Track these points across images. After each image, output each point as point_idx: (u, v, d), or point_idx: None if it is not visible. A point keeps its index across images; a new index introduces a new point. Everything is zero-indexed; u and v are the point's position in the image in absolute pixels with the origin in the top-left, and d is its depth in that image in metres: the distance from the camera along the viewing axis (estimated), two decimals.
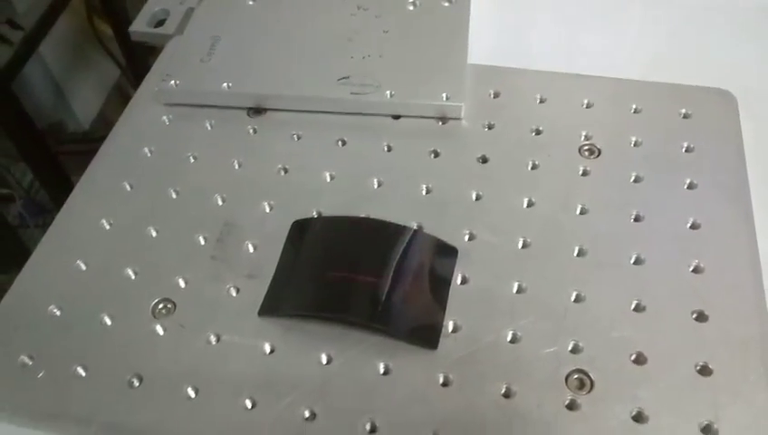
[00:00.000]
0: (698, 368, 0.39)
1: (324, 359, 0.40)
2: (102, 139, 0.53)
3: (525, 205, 0.47)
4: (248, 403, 0.38)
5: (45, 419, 0.39)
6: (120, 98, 1.68)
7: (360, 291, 0.42)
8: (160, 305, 0.43)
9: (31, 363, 0.40)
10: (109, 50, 1.57)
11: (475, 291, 0.43)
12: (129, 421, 0.38)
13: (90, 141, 1.53)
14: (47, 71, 1.46)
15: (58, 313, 0.43)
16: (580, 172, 0.48)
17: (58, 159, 1.30)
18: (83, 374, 0.40)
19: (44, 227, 1.36)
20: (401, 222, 0.45)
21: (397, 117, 0.52)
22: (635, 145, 0.50)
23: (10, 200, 1.38)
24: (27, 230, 1.34)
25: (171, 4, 0.61)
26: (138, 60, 1.48)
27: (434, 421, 0.37)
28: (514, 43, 0.60)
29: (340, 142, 0.51)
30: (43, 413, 0.39)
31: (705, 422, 0.37)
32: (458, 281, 0.43)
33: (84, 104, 1.59)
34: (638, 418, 0.37)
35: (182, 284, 0.44)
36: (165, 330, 0.42)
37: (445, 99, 0.51)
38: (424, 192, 0.48)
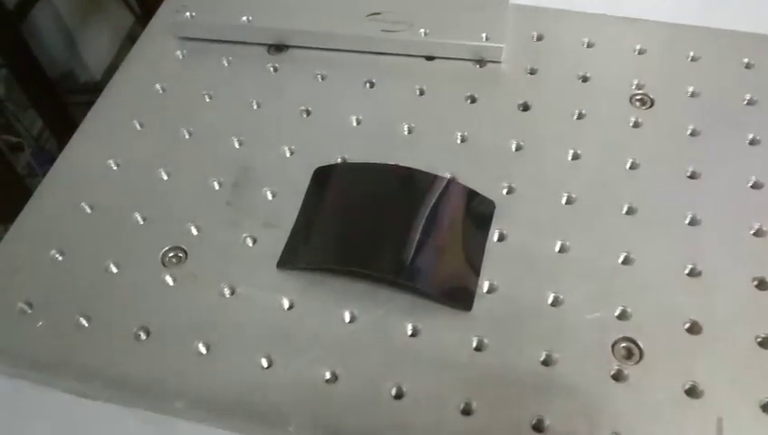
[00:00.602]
0: (759, 340, 0.35)
1: (348, 317, 0.37)
2: None
3: (570, 157, 0.43)
4: (264, 362, 0.35)
5: (46, 370, 0.36)
6: None
7: (388, 244, 0.38)
8: (171, 254, 0.39)
9: (30, 311, 0.37)
10: None
11: (513, 249, 0.39)
12: (136, 377, 0.35)
13: (101, 92, 1.49)
14: (58, 18, 1.42)
15: (60, 258, 0.39)
16: (631, 124, 0.44)
17: (68, 109, 1.27)
18: (86, 325, 0.37)
19: None
20: (434, 172, 0.41)
21: (430, 58, 0.48)
22: (691, 96, 0.45)
23: (19, 150, 1.35)
24: (36, 180, 1.32)
25: None
26: (152, 7, 1.43)
27: (466, 388, 0.34)
28: None
29: (368, 84, 0.47)
30: (43, 365, 0.36)
31: (766, 399, 0.33)
32: (495, 237, 0.39)
33: (96, 54, 1.54)
34: (692, 392, 0.34)
35: (194, 231, 0.40)
36: (175, 280, 0.38)
37: (484, 39, 0.47)
38: (459, 140, 0.44)
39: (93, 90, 1.51)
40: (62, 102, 1.30)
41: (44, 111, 1.30)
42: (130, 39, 1.64)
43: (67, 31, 1.45)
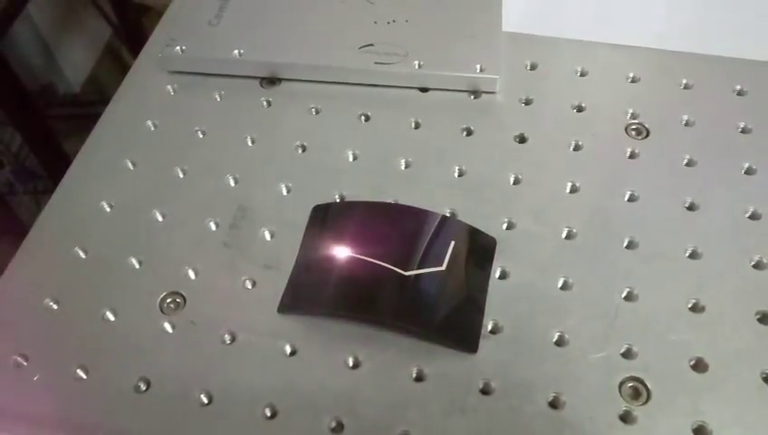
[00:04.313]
0: (765, 376, 0.35)
1: (351, 362, 0.36)
2: (94, 102, 0.49)
3: (568, 190, 0.43)
4: (267, 412, 0.35)
5: (42, 427, 0.35)
6: (111, 59, 1.61)
7: (388, 287, 0.38)
8: (168, 299, 0.38)
9: (26, 364, 0.36)
10: (100, 8, 1.50)
11: (516, 287, 0.39)
12: (136, 431, 0.34)
13: (81, 105, 1.48)
14: (36, 30, 1.40)
15: (55, 307, 0.38)
16: (628, 154, 0.44)
17: (48, 123, 1.25)
18: (84, 377, 0.36)
19: (35, 193, 1.32)
20: (432, 208, 0.41)
21: (425, 90, 0.48)
22: (686, 124, 0.46)
23: None
24: (17, 197, 1.30)
25: None
26: (130, 19, 1.42)
27: (474, 434, 0.34)
28: (547, 9, 0.55)
29: (362, 117, 0.47)
30: (39, 420, 0.35)
31: None
32: (497, 275, 0.39)
33: (75, 66, 1.52)
34: (700, 432, 0.34)
35: (192, 275, 0.39)
36: (174, 327, 0.37)
37: (479, 70, 0.46)
38: (456, 174, 0.43)
39: (72, 103, 1.49)
40: (42, 117, 1.28)
41: (24, 127, 1.27)
42: (108, 51, 1.63)
43: (45, 44, 1.43)
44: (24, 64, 1.37)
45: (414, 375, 0.36)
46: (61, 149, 1.24)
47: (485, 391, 0.35)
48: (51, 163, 1.25)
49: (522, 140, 0.45)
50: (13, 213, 1.24)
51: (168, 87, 0.48)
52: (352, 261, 0.39)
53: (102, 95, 1.46)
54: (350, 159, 0.44)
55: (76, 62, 1.52)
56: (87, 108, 1.44)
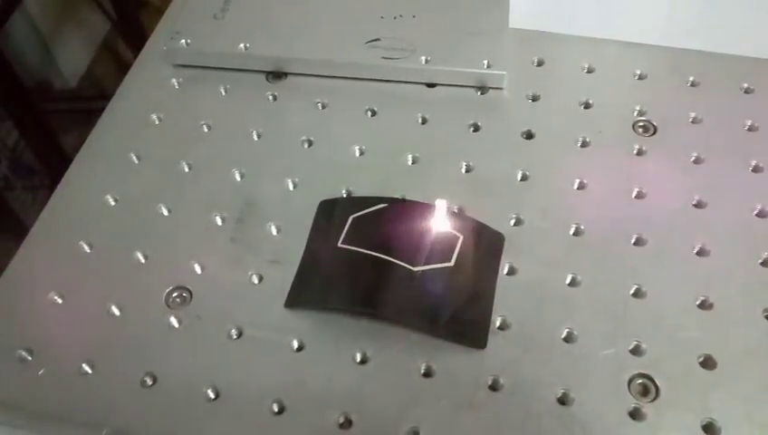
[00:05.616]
0: None
1: (359, 357, 0.36)
2: (91, 97, 0.48)
3: (576, 186, 0.42)
4: (275, 407, 0.34)
5: (47, 422, 0.35)
6: (109, 55, 1.60)
7: (396, 282, 0.37)
8: (174, 294, 0.38)
9: (30, 359, 0.36)
10: (98, 2, 1.49)
11: (524, 283, 0.38)
12: (142, 426, 0.34)
13: (77, 100, 1.47)
14: (32, 25, 1.39)
15: (59, 301, 0.38)
16: (635, 151, 0.44)
17: (44, 118, 1.24)
18: (90, 372, 0.36)
19: (32, 189, 1.31)
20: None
21: (432, 85, 0.47)
22: (693, 122, 0.46)
23: None
24: (14, 192, 1.29)
25: None
26: (129, 14, 1.41)
27: (483, 430, 0.34)
28: (554, 6, 0.55)
29: (369, 112, 0.46)
30: (44, 416, 0.35)
31: None
32: (505, 271, 0.39)
33: (72, 60, 1.51)
34: (709, 429, 0.34)
35: (198, 269, 0.39)
36: (180, 322, 0.37)
37: (486, 66, 0.46)
38: (464, 170, 0.43)
39: (69, 97, 1.48)
40: (39, 112, 1.27)
41: (20, 121, 1.27)
42: (106, 46, 1.62)
43: (42, 38, 1.42)
44: (21, 59, 1.36)
45: (422, 371, 0.35)
46: (57, 145, 1.23)
47: (494, 388, 0.35)
48: (47, 158, 1.24)
49: (529, 136, 0.45)
50: (10, 208, 1.23)
51: (173, 80, 0.48)
52: (360, 256, 0.38)
53: (99, 90, 1.46)
54: (357, 154, 0.44)
55: (73, 57, 1.51)
56: (84, 103, 1.43)
